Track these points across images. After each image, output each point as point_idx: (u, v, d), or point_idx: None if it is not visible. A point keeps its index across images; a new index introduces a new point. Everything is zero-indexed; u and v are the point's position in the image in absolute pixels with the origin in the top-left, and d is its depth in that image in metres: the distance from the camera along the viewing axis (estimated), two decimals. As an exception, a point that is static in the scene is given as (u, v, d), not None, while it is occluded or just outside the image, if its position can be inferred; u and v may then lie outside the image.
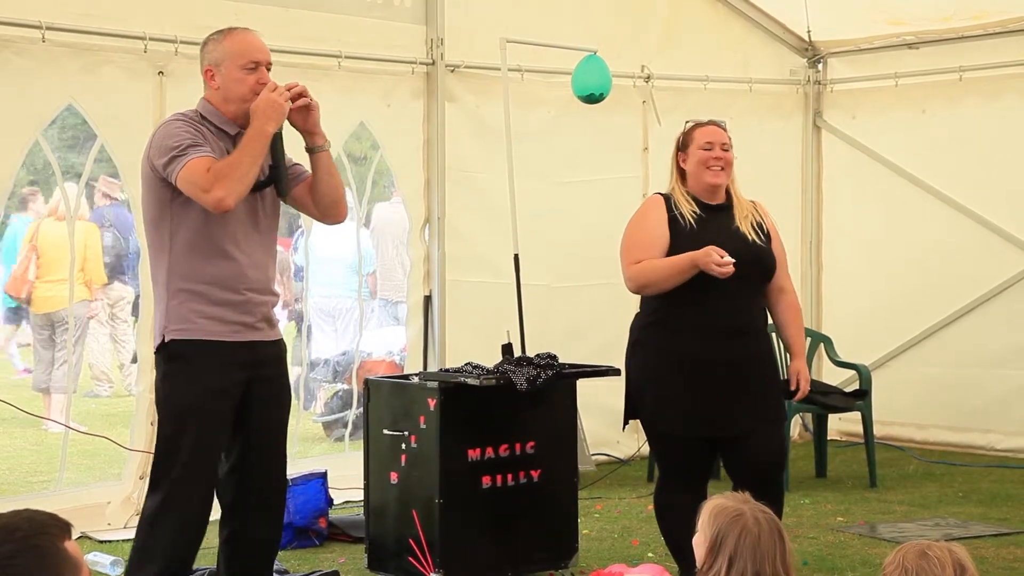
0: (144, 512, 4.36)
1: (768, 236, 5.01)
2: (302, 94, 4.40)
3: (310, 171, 4.51)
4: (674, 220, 4.90)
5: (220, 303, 4.29)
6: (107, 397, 11.17)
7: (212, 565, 4.83)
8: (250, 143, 4.23)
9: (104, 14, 6.22)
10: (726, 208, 4.99)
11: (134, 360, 9.45)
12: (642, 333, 5.01)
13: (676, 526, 4.99)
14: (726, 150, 4.97)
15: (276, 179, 4.37)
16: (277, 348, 4.49)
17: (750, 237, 4.92)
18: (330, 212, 4.55)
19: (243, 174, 4.19)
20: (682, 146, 5.03)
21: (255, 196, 4.35)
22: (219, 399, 4.30)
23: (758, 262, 4.89)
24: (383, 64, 7.25)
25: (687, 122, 5.11)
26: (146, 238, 4.43)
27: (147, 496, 4.36)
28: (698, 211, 4.91)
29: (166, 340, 4.29)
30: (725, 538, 3.02)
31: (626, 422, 5.19)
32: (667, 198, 4.99)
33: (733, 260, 4.72)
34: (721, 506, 3.10)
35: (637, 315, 5.10)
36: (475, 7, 7.56)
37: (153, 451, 4.42)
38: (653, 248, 4.87)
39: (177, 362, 4.29)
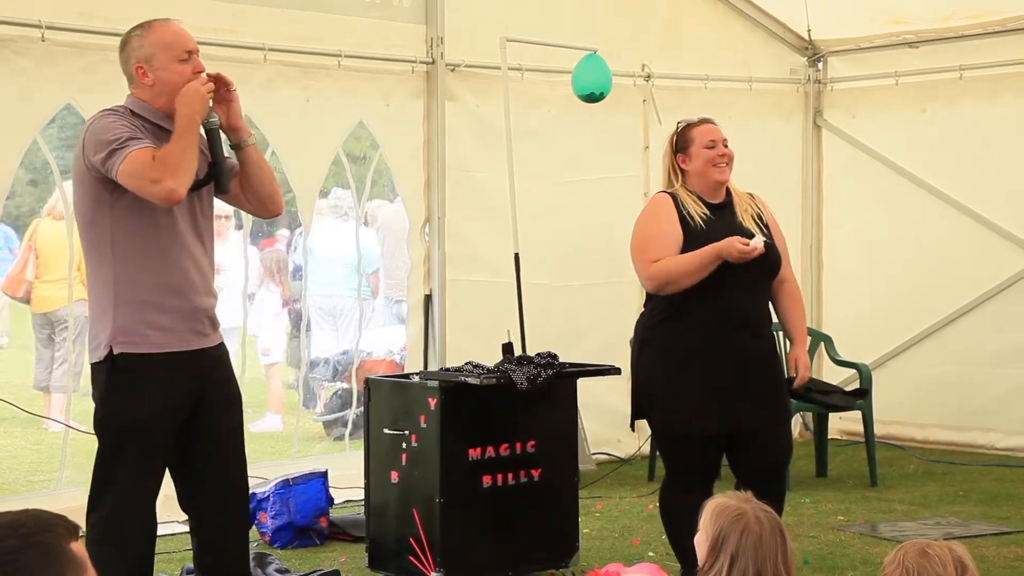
0: (88, 531, 4.14)
1: (768, 228, 5.02)
2: (225, 82, 4.24)
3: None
4: (684, 220, 4.89)
5: (169, 311, 4.13)
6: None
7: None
8: (185, 132, 4.05)
9: (104, 14, 6.20)
10: (727, 205, 4.99)
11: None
12: (649, 333, 5.01)
13: (681, 525, 4.99)
14: (726, 146, 4.99)
15: (216, 175, 4.22)
16: (220, 351, 4.35)
17: (756, 232, 4.92)
18: (266, 206, 4.40)
19: (189, 162, 4.03)
20: (680, 147, 5.00)
21: (192, 196, 4.17)
22: (165, 415, 4.15)
23: (765, 257, 4.90)
24: (383, 63, 7.25)
25: (679, 123, 5.09)
26: (83, 243, 4.20)
27: (89, 513, 4.17)
28: (707, 212, 4.92)
29: (114, 352, 4.09)
30: (727, 537, 3.02)
31: (633, 422, 5.19)
32: (673, 196, 4.98)
33: (763, 244, 4.73)
34: (723, 505, 3.10)
35: (643, 315, 5.09)
36: (475, 6, 7.55)
37: (96, 463, 4.21)
38: (669, 246, 4.86)
39: (124, 376, 4.11)
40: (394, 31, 7.27)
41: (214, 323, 4.30)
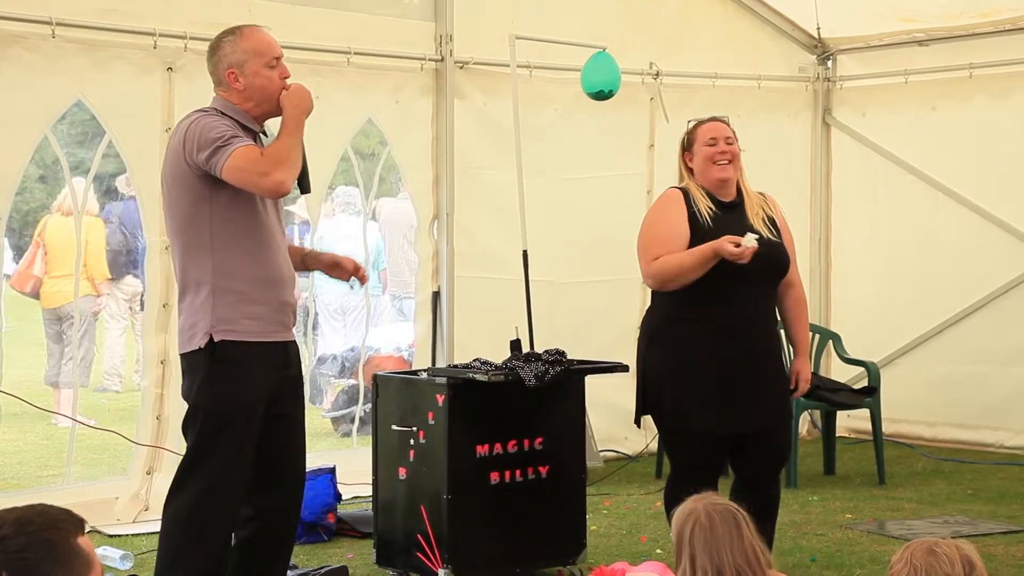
0: (178, 510, 4.27)
1: (778, 229, 5.02)
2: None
3: None
4: (693, 216, 4.89)
5: (263, 302, 4.28)
6: (117, 392, 11.19)
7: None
8: (295, 130, 4.25)
9: (114, 10, 6.23)
10: (738, 205, 4.99)
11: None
12: (656, 330, 5.01)
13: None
14: (730, 143, 4.97)
15: (301, 176, 4.38)
16: (296, 347, 4.53)
17: (764, 233, 4.92)
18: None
19: (296, 159, 4.24)
20: (687, 146, 5.03)
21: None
22: (259, 402, 4.30)
23: (773, 257, 4.90)
24: (392, 61, 7.25)
25: (689, 122, 5.12)
26: (177, 238, 4.32)
27: (177, 493, 4.28)
28: (714, 208, 4.91)
29: (215, 340, 4.22)
30: (682, 537, 3.08)
31: (639, 418, 5.19)
32: (685, 193, 4.98)
33: (755, 242, 4.71)
34: (681, 508, 3.15)
35: (649, 310, 5.09)
36: (484, 4, 7.56)
37: (190, 448, 4.32)
38: (673, 243, 4.85)
39: (225, 364, 4.24)
40: (403, 28, 7.28)
41: (295, 318, 4.49)
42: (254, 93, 4.32)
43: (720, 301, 4.83)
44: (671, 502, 5.08)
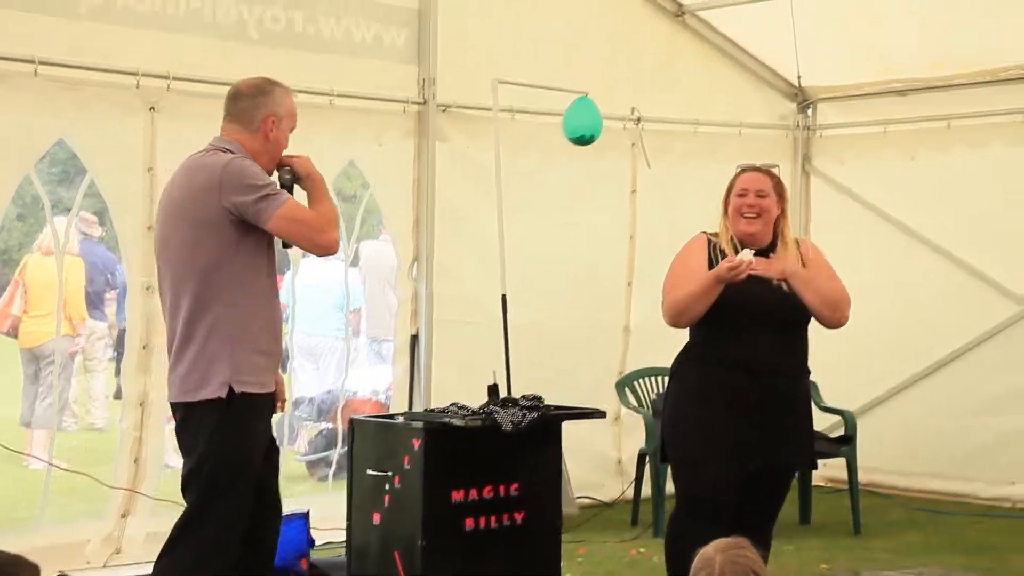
0: (182, 558, 4.25)
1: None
2: None
3: None
4: (713, 264, 4.89)
5: (268, 354, 4.32)
6: (76, 431, 11.08)
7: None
8: (328, 193, 4.45)
9: (97, 49, 6.22)
10: (767, 253, 4.96)
11: (117, 395, 9.38)
12: (677, 367, 5.08)
13: (682, 555, 4.95)
14: (762, 196, 4.96)
15: None
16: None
17: (785, 287, 4.92)
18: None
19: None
20: (728, 191, 5.04)
21: (270, 248, 4.37)
22: (262, 449, 4.37)
23: (788, 312, 4.93)
24: (375, 103, 7.26)
25: (737, 167, 5.13)
26: (191, 282, 4.23)
27: (179, 542, 4.27)
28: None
29: (236, 391, 4.20)
30: None
31: (663, 453, 5.18)
32: (710, 240, 5.00)
33: (751, 255, 4.71)
34: (702, 552, 3.10)
35: (678, 354, 5.11)
36: (467, 48, 7.58)
37: (197, 495, 4.31)
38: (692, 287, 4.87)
39: (237, 415, 4.23)
40: (386, 71, 7.29)
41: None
42: (273, 149, 4.39)
43: (732, 341, 4.85)
44: (671, 534, 5.07)
